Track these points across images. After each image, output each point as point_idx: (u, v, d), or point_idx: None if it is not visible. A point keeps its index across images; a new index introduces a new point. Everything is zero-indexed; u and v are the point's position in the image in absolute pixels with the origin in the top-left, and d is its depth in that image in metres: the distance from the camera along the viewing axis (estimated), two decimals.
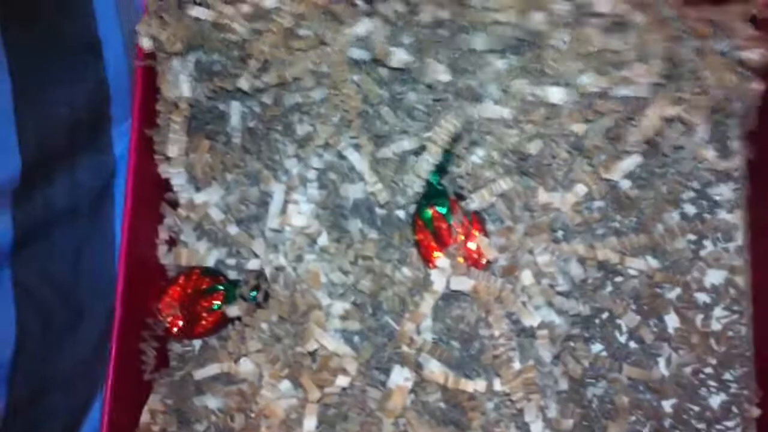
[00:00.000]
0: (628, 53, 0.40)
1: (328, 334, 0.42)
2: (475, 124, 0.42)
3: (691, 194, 0.45)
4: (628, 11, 0.40)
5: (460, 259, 0.42)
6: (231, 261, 0.47)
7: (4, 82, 0.51)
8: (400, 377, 0.41)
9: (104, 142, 0.52)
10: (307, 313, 0.42)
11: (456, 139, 0.42)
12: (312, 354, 0.42)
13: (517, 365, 0.40)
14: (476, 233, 0.42)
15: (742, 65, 0.40)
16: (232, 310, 0.45)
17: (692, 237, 0.44)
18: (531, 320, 0.40)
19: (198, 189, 0.47)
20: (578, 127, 0.41)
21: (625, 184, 0.44)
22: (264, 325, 0.43)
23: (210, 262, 0.47)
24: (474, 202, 0.41)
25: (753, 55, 0.40)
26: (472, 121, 0.41)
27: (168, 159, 0.46)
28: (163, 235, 0.47)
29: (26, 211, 0.49)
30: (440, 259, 0.42)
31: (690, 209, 0.45)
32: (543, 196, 0.41)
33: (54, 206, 0.50)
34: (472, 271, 0.41)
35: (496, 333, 0.40)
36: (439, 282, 0.41)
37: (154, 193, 0.47)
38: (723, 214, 0.44)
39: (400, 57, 0.42)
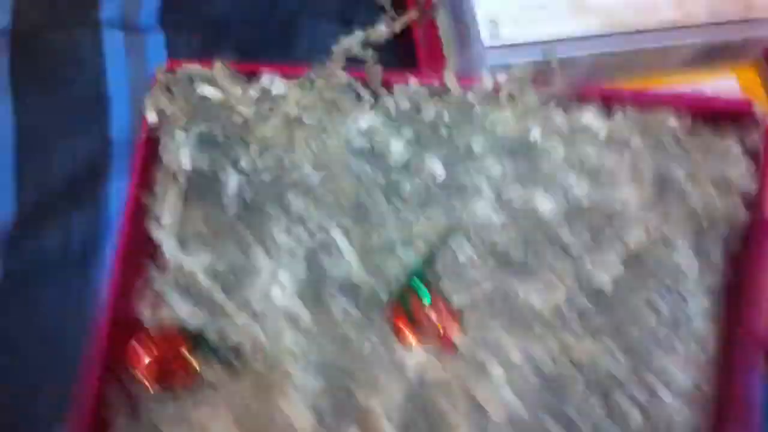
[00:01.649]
0: (620, 172, 0.42)
1: (297, 410, 0.43)
2: (463, 223, 0.43)
3: (670, 302, 0.47)
4: (627, 133, 0.42)
5: (433, 347, 0.43)
6: (213, 327, 0.48)
7: (8, 127, 0.52)
8: None
9: (101, 198, 0.53)
10: (279, 388, 0.43)
11: (444, 234, 0.43)
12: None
13: None
14: (452, 324, 0.44)
15: (731, 192, 0.42)
16: (209, 374, 0.46)
17: (665, 343, 0.46)
18: (498, 413, 0.42)
19: (188, 254, 0.48)
20: (564, 235, 0.43)
21: (606, 288, 0.46)
22: (236, 394, 0.44)
23: (192, 326, 0.48)
24: (456, 299, 0.43)
25: (744, 184, 0.42)
26: (461, 219, 0.43)
27: (161, 225, 0.47)
28: (148, 296, 0.48)
29: (15, 257, 0.50)
30: (414, 345, 0.44)
31: (666, 317, 0.47)
32: (523, 294, 0.43)
33: (44, 256, 0.51)
34: (444, 358, 0.43)
35: (461, 422, 0.42)
36: (410, 367, 0.43)
37: (143, 254, 0.48)
38: (698, 323, 0.47)
39: (399, 153, 0.43)
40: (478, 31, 0.57)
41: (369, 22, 0.61)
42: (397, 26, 0.48)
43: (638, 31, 0.59)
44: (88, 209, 0.52)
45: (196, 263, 0.48)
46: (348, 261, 0.44)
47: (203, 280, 0.47)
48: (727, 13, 0.60)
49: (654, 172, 0.42)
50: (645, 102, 0.43)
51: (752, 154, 0.42)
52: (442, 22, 0.65)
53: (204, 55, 0.58)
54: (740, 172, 0.42)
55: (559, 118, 0.42)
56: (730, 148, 0.42)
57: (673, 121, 0.42)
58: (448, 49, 0.64)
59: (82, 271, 0.52)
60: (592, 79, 0.59)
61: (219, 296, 0.47)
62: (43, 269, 0.50)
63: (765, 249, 0.40)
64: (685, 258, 0.43)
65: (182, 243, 0.48)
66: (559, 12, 0.58)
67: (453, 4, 0.62)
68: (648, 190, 0.42)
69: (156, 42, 0.58)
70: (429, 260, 0.45)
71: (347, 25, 0.61)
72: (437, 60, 0.64)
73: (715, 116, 0.42)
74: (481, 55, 0.58)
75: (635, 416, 0.46)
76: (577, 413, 0.45)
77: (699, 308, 0.46)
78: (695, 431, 0.45)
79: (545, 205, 0.42)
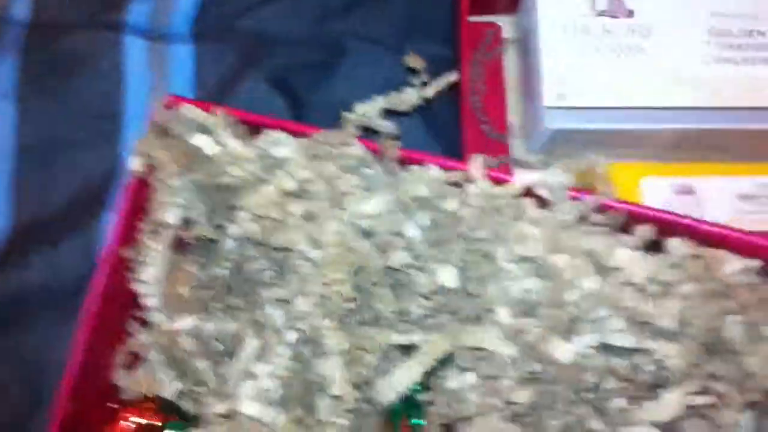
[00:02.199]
0: (661, 320, 0.34)
1: None
2: (467, 350, 0.37)
3: None
4: (676, 280, 0.34)
5: None
6: (192, 395, 0.44)
7: (9, 133, 0.48)
8: None
9: (95, 228, 0.49)
10: None
11: (445, 359, 0.37)
12: None
13: None
14: None
15: None
16: None
17: None
18: None
19: (172, 315, 0.43)
20: (589, 396, 0.36)
21: None
22: None
23: (169, 393, 0.44)
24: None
25: None
26: (465, 345, 0.37)
27: (142, 281, 0.42)
28: (124, 355, 0.44)
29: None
30: None
31: None
32: None
33: (28, 293, 0.47)
34: None
35: None
36: None
37: (122, 309, 0.44)
38: None
39: (403, 253, 0.37)
40: (541, 89, 0.50)
41: (422, 52, 0.54)
42: (430, 91, 0.41)
43: (735, 108, 0.50)
44: (79, 240, 0.48)
45: (180, 325, 0.43)
46: (333, 367, 0.38)
47: (187, 343, 0.43)
48: None
49: (705, 326, 0.34)
50: (705, 236, 0.35)
51: None
52: (510, 69, 0.57)
53: (236, 74, 0.53)
54: None
55: (594, 242, 0.34)
56: None
57: (736, 265, 0.34)
58: (514, 103, 0.57)
59: (65, 312, 0.47)
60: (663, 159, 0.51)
61: (201, 363, 0.43)
62: (25, 308, 0.46)
63: None
64: None
65: (167, 302, 0.43)
66: (640, 76, 0.49)
67: (526, 47, 0.54)
68: (694, 346, 0.34)
69: (184, 54, 0.53)
70: (424, 382, 0.39)
71: (398, 53, 0.54)
72: (497, 111, 0.57)
73: None
74: (540, 115, 0.50)
75: None
76: None
77: None
78: None
79: (564, 352, 0.34)
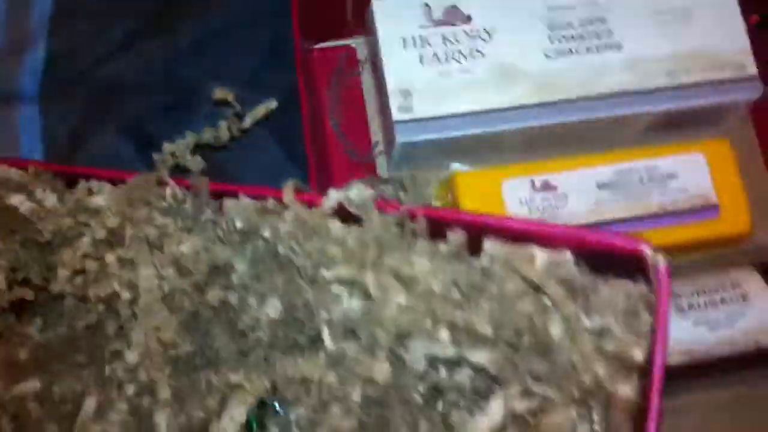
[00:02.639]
0: (479, 327, 0.33)
1: None
2: (292, 383, 0.36)
3: None
4: (477, 278, 0.33)
5: None
6: None
7: None
8: None
9: None
10: None
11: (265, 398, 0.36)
12: None
13: None
14: None
15: (616, 359, 0.33)
16: None
17: None
18: None
19: (12, 381, 0.42)
20: (417, 403, 0.35)
21: None
22: None
23: None
24: None
25: (626, 350, 0.33)
26: (287, 377, 0.35)
27: None
28: None
29: None
30: None
31: None
32: None
33: None
34: None
35: None
36: None
37: None
38: None
39: (216, 295, 0.36)
40: (388, 103, 0.49)
41: (280, 81, 0.54)
42: (247, 122, 0.40)
43: (581, 98, 0.49)
44: None
45: (22, 390, 0.42)
46: (160, 416, 0.37)
47: (33, 409, 0.42)
48: (691, 73, 0.50)
49: (520, 326, 0.33)
50: (513, 234, 0.34)
51: (646, 307, 0.33)
52: (368, 89, 0.57)
53: (87, 126, 0.52)
54: (628, 330, 0.32)
55: (396, 261, 0.34)
56: (617, 300, 0.33)
57: (542, 263, 0.33)
58: (376, 123, 0.57)
59: None
60: (523, 159, 0.50)
61: (52, 427, 0.42)
62: None
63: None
64: None
65: (7, 368, 0.42)
66: (484, 79, 0.49)
67: (375, 66, 0.54)
68: (508, 349, 0.33)
69: (32, 113, 0.52)
70: (261, 422, 0.37)
71: (255, 89, 0.54)
72: (359, 133, 0.56)
73: (600, 258, 0.33)
74: (391, 130, 0.50)
75: None
76: None
77: None
78: None
79: (381, 373, 0.33)
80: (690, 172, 0.49)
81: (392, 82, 0.49)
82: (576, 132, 0.50)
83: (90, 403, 0.39)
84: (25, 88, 0.53)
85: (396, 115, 0.49)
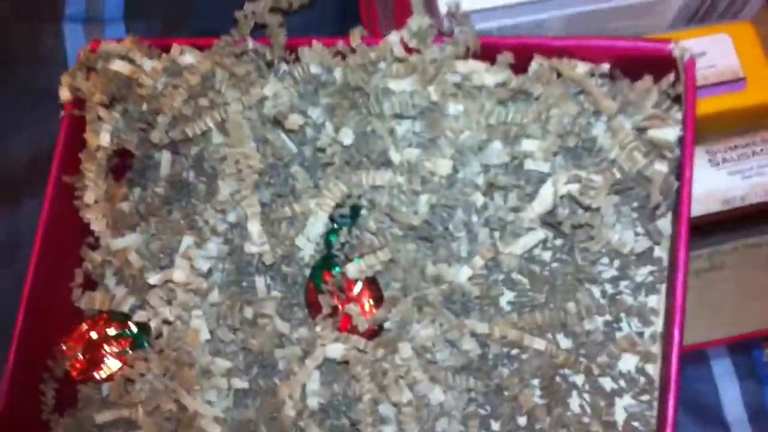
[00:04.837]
0: (529, 126, 0.38)
1: (197, 394, 0.41)
2: (365, 191, 0.40)
3: (612, 273, 0.42)
4: (527, 83, 0.38)
5: (338, 326, 0.41)
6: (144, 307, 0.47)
7: None
8: None
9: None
10: (183, 370, 0.42)
11: (355, 206, 0.41)
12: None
13: None
14: (362, 301, 0.41)
15: (651, 144, 0.38)
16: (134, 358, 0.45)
17: (607, 318, 0.42)
18: (398, 396, 0.39)
19: (120, 235, 0.47)
20: (477, 199, 0.40)
21: (541, 259, 0.42)
22: (150, 377, 0.43)
23: (125, 308, 0.47)
24: (350, 271, 0.40)
25: (660, 133, 0.37)
26: (362, 187, 0.40)
27: (87, 205, 0.47)
28: (79, 278, 0.48)
29: None
30: (323, 324, 0.41)
31: (608, 289, 0.42)
32: (431, 268, 0.40)
33: None
34: (345, 338, 0.40)
35: (361, 407, 0.39)
36: (319, 348, 0.40)
37: (74, 237, 0.48)
38: (642, 297, 0.42)
39: (303, 120, 0.41)
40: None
41: None
42: None
43: None
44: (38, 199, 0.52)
45: (126, 243, 0.47)
46: (257, 239, 0.41)
47: (135, 259, 0.47)
48: None
49: (566, 124, 0.38)
50: (555, 51, 0.39)
51: (675, 100, 0.37)
52: None
53: (164, 34, 0.58)
54: (663, 121, 0.37)
55: (459, 75, 0.38)
56: (650, 95, 0.37)
57: (583, 69, 0.38)
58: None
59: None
60: None
61: (153, 277, 0.47)
62: None
63: (686, 211, 0.35)
64: (607, 224, 0.38)
65: (113, 222, 0.47)
66: None
67: None
68: (557, 143, 0.37)
69: (116, 33, 0.59)
70: (337, 231, 0.42)
71: None
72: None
73: (635, 62, 0.38)
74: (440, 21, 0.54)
75: (574, 404, 0.41)
76: (505, 398, 0.41)
77: (635, 282, 0.41)
78: (642, 426, 0.40)
79: (443, 168, 0.38)
80: (717, 51, 0.53)
81: None
82: (610, 18, 0.55)
83: (187, 240, 0.44)
84: (110, 14, 0.60)
85: (443, 8, 0.54)
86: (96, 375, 0.47)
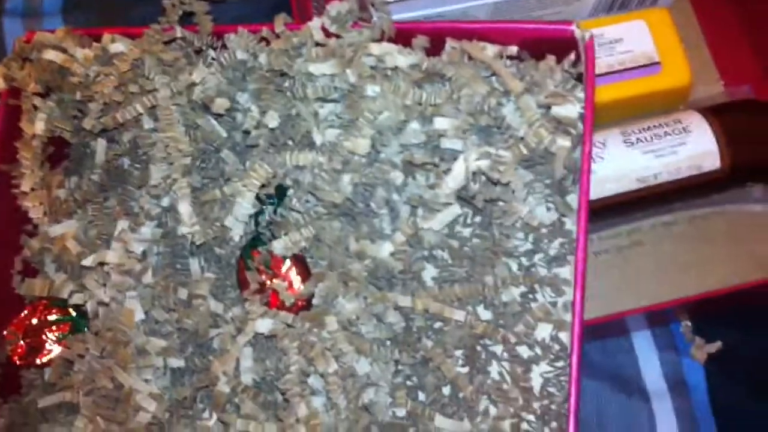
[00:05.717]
0: (442, 107, 0.40)
1: (133, 371, 0.43)
2: (289, 171, 0.42)
3: (527, 247, 0.44)
4: (438, 65, 0.40)
5: (265, 302, 0.43)
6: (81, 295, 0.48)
7: None
8: (210, 419, 0.42)
9: None
10: (119, 349, 0.43)
11: (280, 186, 0.43)
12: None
13: (303, 411, 0.40)
14: (290, 278, 0.43)
15: (556, 121, 0.40)
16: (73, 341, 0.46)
17: (523, 289, 0.44)
18: (325, 366, 0.40)
19: (57, 222, 0.48)
20: (396, 177, 0.42)
21: (462, 235, 0.44)
22: (88, 357, 0.44)
23: (64, 294, 0.48)
24: (276, 248, 0.42)
25: (563, 110, 0.39)
26: (286, 167, 0.42)
27: (25, 193, 0.48)
28: (18, 265, 0.49)
29: None
30: (252, 300, 0.43)
31: (523, 261, 0.44)
32: (354, 244, 0.42)
33: None
34: (274, 314, 0.42)
35: (289, 378, 0.40)
36: (249, 324, 0.42)
37: (12, 225, 0.49)
38: (554, 269, 0.44)
39: (227, 105, 0.43)
40: None
41: None
42: None
43: None
44: None
45: (64, 230, 0.48)
46: (187, 220, 0.43)
47: (73, 245, 0.48)
48: None
49: (475, 103, 0.40)
50: (466, 34, 0.41)
51: (577, 79, 0.40)
52: None
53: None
54: (564, 99, 0.39)
55: (373, 58, 0.40)
56: (553, 75, 0.40)
57: (492, 51, 0.40)
58: None
59: None
60: None
61: (89, 262, 0.48)
62: None
63: (585, 183, 0.38)
64: (517, 198, 0.40)
65: (51, 210, 0.48)
66: None
67: None
68: (468, 121, 0.39)
69: (54, 26, 0.60)
70: (264, 210, 0.44)
71: None
72: None
73: (541, 44, 0.40)
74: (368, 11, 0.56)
75: (494, 372, 0.44)
76: (430, 368, 0.43)
77: (549, 255, 0.43)
78: (556, 390, 0.43)
79: (362, 147, 0.40)
80: (634, 36, 0.56)
81: None
82: (534, 7, 0.57)
83: (122, 224, 0.45)
84: (48, 8, 0.61)
85: None
86: (37, 360, 0.48)
